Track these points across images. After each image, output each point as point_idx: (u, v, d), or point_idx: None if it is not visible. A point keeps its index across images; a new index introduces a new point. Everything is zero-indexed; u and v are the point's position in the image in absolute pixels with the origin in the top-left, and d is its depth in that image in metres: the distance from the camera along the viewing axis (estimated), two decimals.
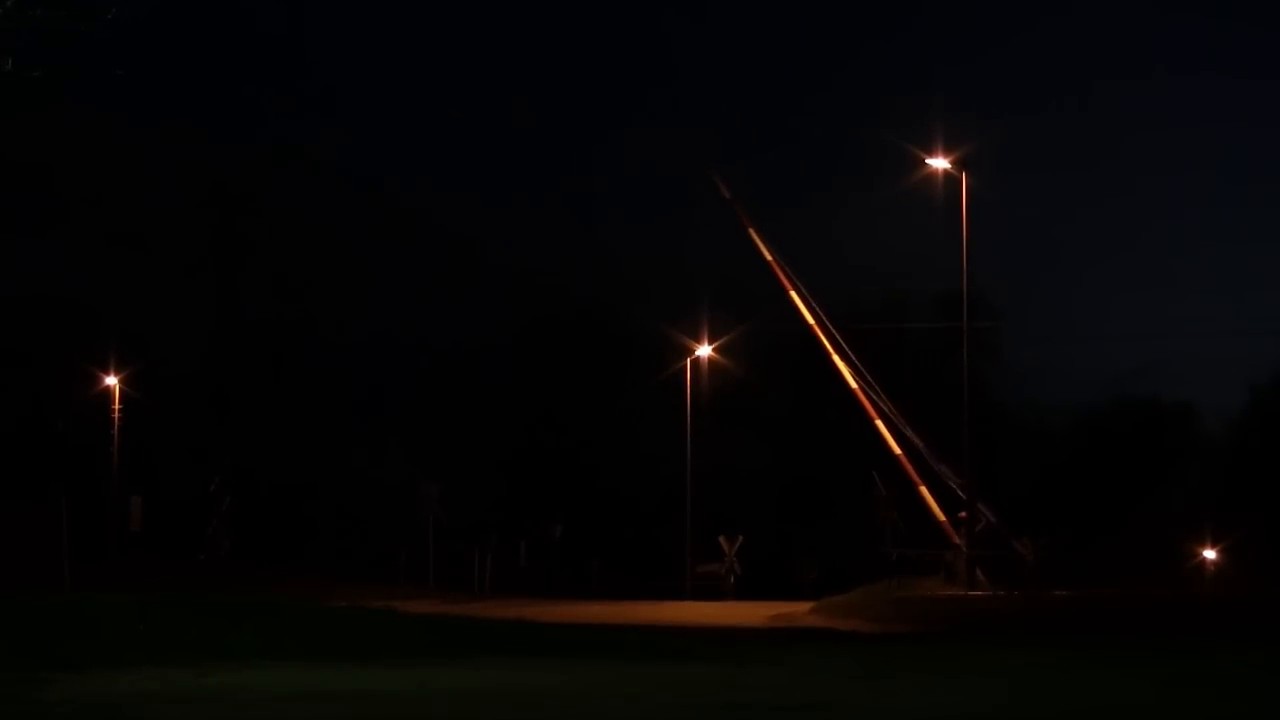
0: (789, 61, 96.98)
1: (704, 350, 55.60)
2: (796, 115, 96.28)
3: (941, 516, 42.81)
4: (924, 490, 43.55)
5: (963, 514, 39.05)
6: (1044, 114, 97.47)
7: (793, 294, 48.50)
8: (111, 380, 59.04)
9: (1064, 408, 68.17)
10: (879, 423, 46.12)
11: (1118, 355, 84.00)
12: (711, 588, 49.53)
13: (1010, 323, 67.17)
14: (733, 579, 50.14)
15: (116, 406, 58.48)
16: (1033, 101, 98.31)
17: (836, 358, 47.64)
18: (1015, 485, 54.79)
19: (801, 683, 17.80)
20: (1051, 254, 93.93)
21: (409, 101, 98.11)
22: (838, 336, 47.92)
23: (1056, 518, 49.25)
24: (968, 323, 39.06)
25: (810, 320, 48.60)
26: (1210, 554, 42.24)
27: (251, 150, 71.62)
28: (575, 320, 68.16)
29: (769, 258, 48.51)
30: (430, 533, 51.06)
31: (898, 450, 45.01)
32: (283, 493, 61.61)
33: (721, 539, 51.33)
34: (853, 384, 47.22)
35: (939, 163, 39.03)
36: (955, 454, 41.09)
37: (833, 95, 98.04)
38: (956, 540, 40.28)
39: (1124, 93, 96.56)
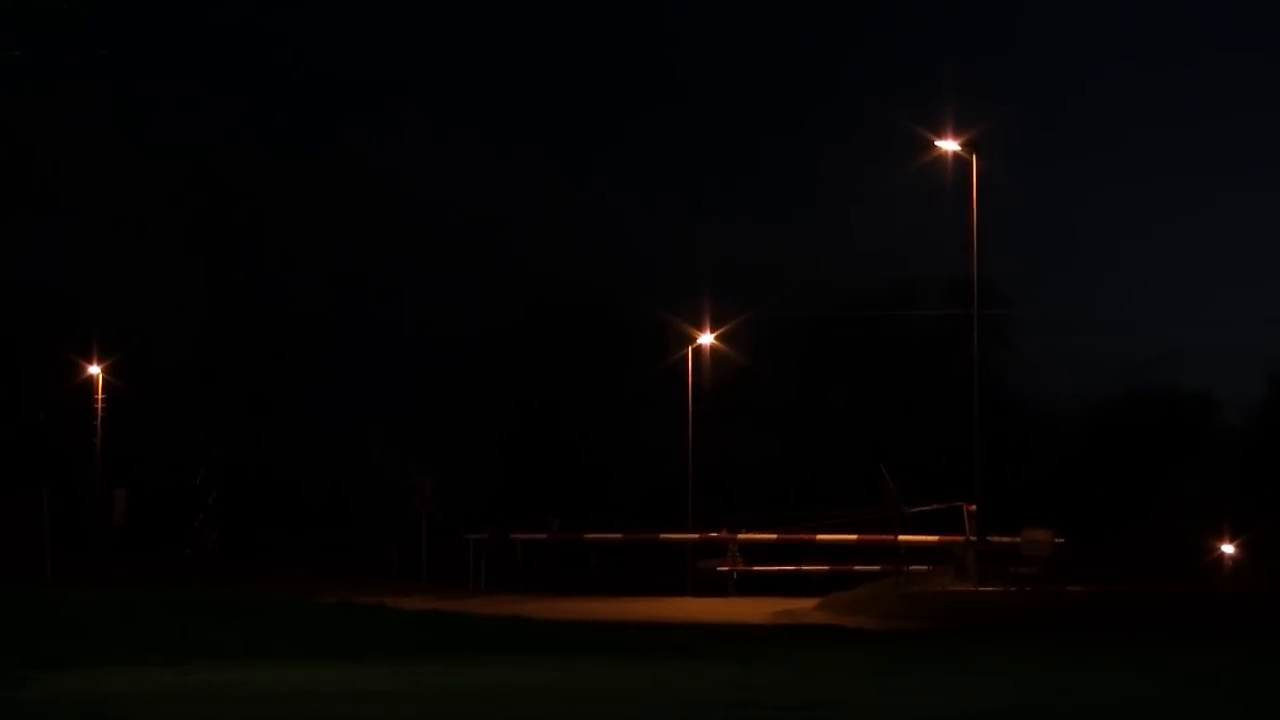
0: (797, 45, 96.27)
1: (706, 338, 55.14)
2: (806, 100, 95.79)
3: (934, 538, 42.32)
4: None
5: (971, 506, 38.60)
6: (1068, 98, 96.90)
7: None
8: (94, 369, 58.34)
9: (1079, 397, 67.56)
10: (821, 537, 46.05)
11: (1135, 344, 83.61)
12: (714, 583, 48.99)
13: (1027, 311, 66.83)
14: (735, 574, 49.59)
15: (99, 396, 57.74)
16: (1057, 85, 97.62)
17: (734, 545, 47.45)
18: (1026, 477, 54.39)
19: (807, 681, 17.36)
20: (1072, 241, 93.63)
21: (407, 83, 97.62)
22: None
23: (1069, 510, 48.69)
24: (978, 310, 38.42)
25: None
26: (1229, 548, 41.69)
27: (241, 132, 70.96)
28: (574, 307, 67.61)
29: None
30: (424, 526, 50.61)
31: (854, 536, 44.75)
32: (271, 485, 61.12)
33: (724, 533, 50.73)
34: (772, 536, 47.17)
35: (948, 145, 38.28)
36: (959, 449, 40.62)
37: (842, 81, 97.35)
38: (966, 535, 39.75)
39: (1148, 78, 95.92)
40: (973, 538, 38.08)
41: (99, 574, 41.62)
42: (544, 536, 51.49)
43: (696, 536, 49.66)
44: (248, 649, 19.67)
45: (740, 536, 47.96)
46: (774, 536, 47.08)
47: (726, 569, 48.41)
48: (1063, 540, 37.73)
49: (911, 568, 39.00)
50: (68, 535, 47.88)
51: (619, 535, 50.33)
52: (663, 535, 50.51)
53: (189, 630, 21.12)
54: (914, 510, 40.33)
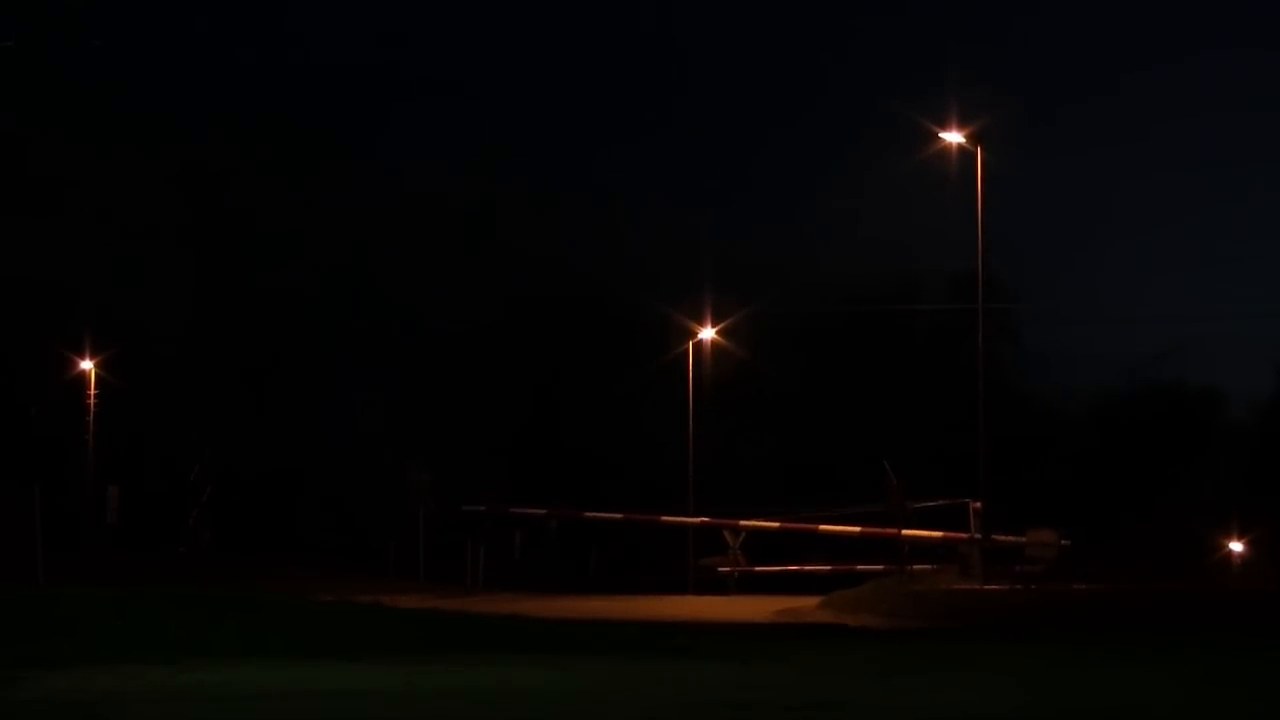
0: (801, 37, 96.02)
1: (707, 333, 54.94)
2: (812, 90, 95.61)
3: (938, 534, 42.12)
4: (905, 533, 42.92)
5: (976, 504, 38.43)
6: (1080, 93, 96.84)
7: None
8: (87, 364, 58.01)
9: (1086, 393, 67.30)
10: (824, 528, 45.87)
11: (1142, 339, 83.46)
12: (715, 581, 48.76)
13: (1036, 305, 66.57)
14: (737, 572, 49.37)
15: (92, 392, 57.43)
16: (1070, 80, 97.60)
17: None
18: (1032, 473, 54.13)
19: (809, 681, 17.17)
20: (1079, 236, 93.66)
21: (408, 78, 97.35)
22: None
23: (1075, 507, 48.45)
24: (983, 304, 38.14)
25: None
26: (1237, 546, 41.54)
27: (236, 125, 70.68)
28: (573, 301, 67.30)
29: None
30: (421, 523, 50.40)
31: (857, 528, 44.51)
32: (266, 482, 60.86)
33: (725, 530, 50.53)
34: (775, 525, 46.67)
35: (953, 137, 37.96)
36: (964, 444, 40.36)
37: (846, 73, 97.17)
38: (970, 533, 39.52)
39: (1164, 74, 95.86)
40: (978, 535, 37.89)
41: (92, 572, 41.24)
42: (543, 513, 51.23)
43: (698, 521, 49.37)
44: (243, 648, 19.53)
45: (743, 523, 47.70)
46: (777, 525, 46.81)
47: (728, 569, 48.17)
48: (1068, 543, 37.48)
49: (915, 566, 38.83)
50: (60, 532, 47.49)
51: (619, 514, 50.03)
52: (664, 518, 50.24)
53: (184, 629, 20.97)
54: (917, 505, 40.14)
